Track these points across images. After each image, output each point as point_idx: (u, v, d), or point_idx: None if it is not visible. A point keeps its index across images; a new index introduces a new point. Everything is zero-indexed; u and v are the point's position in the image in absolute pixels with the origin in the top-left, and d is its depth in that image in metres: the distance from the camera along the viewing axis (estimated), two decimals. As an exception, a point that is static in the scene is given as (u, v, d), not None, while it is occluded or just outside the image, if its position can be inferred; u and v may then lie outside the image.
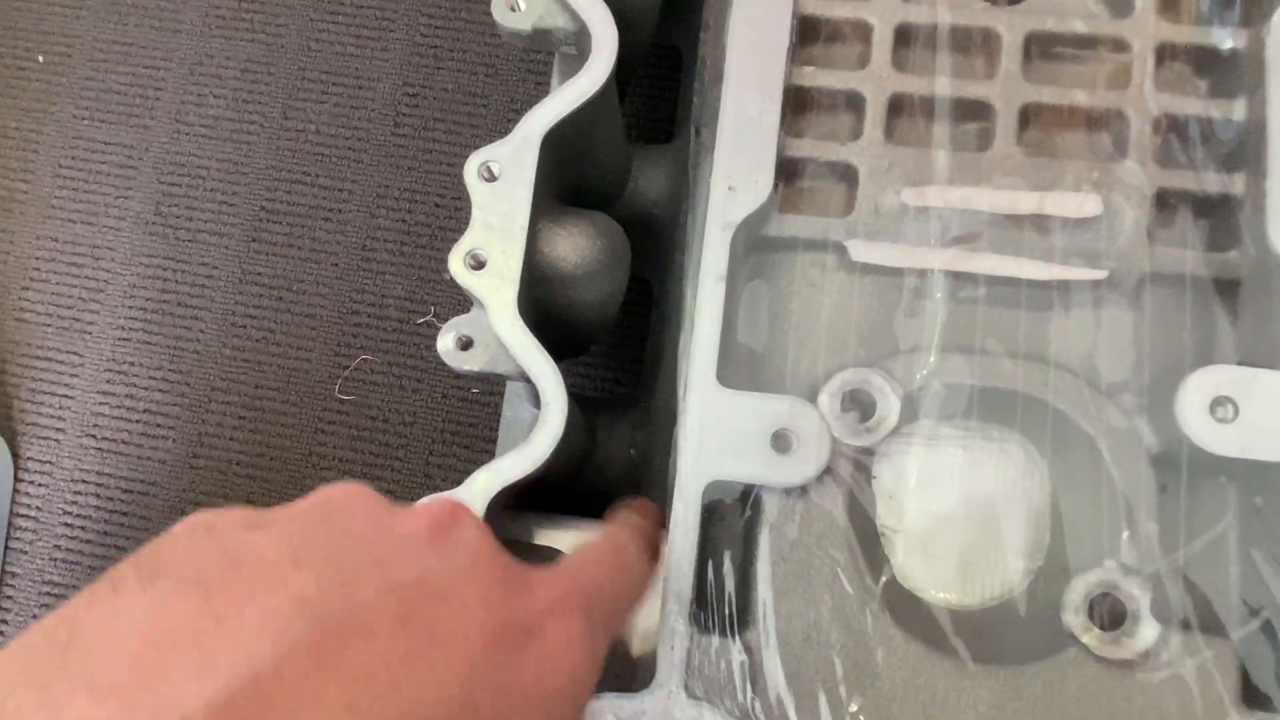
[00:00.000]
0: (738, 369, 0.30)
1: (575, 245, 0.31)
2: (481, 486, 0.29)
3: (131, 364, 0.52)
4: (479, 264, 0.30)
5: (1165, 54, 0.31)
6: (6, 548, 0.51)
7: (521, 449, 0.29)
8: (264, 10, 0.56)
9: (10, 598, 0.50)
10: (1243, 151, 0.30)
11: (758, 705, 0.27)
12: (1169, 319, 0.30)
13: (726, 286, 0.29)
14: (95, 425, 0.52)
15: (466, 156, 0.31)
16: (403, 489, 0.50)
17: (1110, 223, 0.30)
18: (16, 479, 0.51)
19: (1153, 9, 0.31)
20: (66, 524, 0.51)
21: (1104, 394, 0.29)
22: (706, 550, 0.28)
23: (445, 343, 0.31)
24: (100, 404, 0.52)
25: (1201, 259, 0.30)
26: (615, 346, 0.49)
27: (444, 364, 0.32)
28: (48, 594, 0.51)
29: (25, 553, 0.51)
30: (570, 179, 0.35)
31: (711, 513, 0.29)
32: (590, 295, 0.33)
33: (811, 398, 0.29)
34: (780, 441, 0.28)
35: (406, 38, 0.55)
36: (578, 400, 0.35)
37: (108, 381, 0.52)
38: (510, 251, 0.29)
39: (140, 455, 0.51)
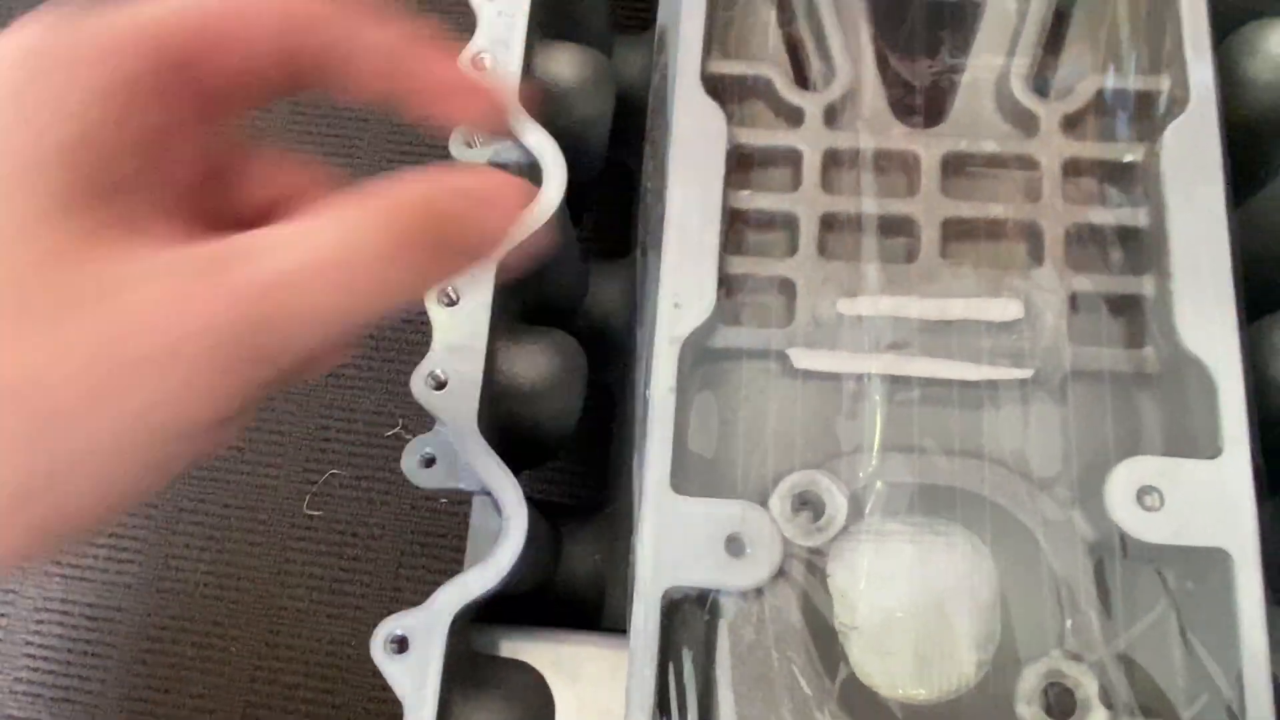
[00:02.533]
0: (691, 476, 0.31)
1: (533, 363, 0.33)
2: (445, 603, 0.29)
3: (100, 488, 0.52)
4: (440, 384, 0.31)
5: (1072, 168, 0.34)
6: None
7: (485, 564, 0.30)
8: (235, 142, 0.58)
9: (-34, 733, 0.49)
10: (1148, 255, 0.32)
11: (723, 811, 0.27)
12: (1094, 413, 0.32)
13: (677, 398, 0.31)
14: (60, 552, 0.52)
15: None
16: (371, 601, 0.50)
17: (1032, 325, 0.32)
18: (-22, 605, 0.51)
19: (1058, 129, 0.34)
20: (29, 654, 0.50)
21: (1038, 487, 0.31)
22: (667, 655, 0.29)
23: (409, 463, 0.32)
24: (67, 530, 0.52)
25: (1119, 356, 0.32)
26: (582, 450, 0.50)
27: (408, 481, 0.33)
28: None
29: (-13, 674, 0.50)
30: (529, 297, 0.36)
31: (672, 616, 0.29)
32: (548, 409, 0.34)
33: (763, 501, 0.30)
34: (734, 545, 0.29)
35: (372, 163, 0.57)
36: (543, 508, 0.36)
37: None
38: (470, 372, 0.31)
39: (105, 580, 0.51)
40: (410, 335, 0.54)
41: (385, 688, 0.29)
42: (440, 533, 0.51)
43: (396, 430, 0.52)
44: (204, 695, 0.49)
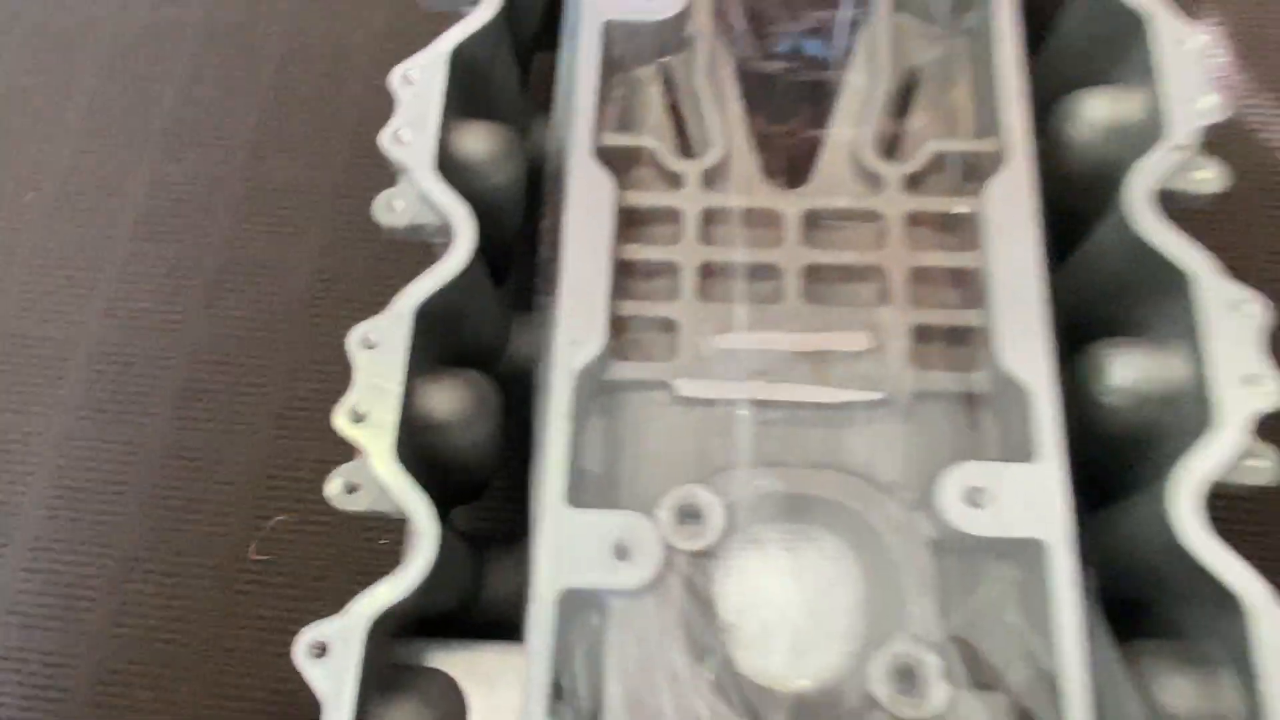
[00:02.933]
0: (585, 491, 0.35)
1: (446, 399, 0.37)
2: (360, 612, 0.33)
3: (56, 540, 0.55)
4: (359, 418, 0.35)
5: (913, 220, 0.39)
6: (-77, 730, 0.52)
7: (397, 576, 0.33)
8: (192, 215, 0.63)
9: (-76, 784, 0.51)
10: (977, 292, 0.38)
11: (609, 785, 0.31)
12: (935, 428, 0.36)
13: (573, 424, 0.35)
14: (18, 603, 0.54)
15: None
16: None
17: (880, 354, 0.37)
18: (-62, 662, 0.53)
19: (901, 186, 0.40)
20: (-13, 707, 0.52)
21: (886, 493, 0.35)
22: (555, 648, 0.33)
23: (333, 488, 0.36)
24: (24, 581, 0.55)
25: (955, 379, 0.37)
26: (512, 489, 0.54)
27: (354, 521, 0.36)
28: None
29: (-59, 739, 0.52)
30: (449, 343, 0.41)
31: (567, 615, 0.33)
32: (464, 442, 0.38)
33: (650, 513, 0.35)
34: (620, 551, 0.33)
35: (321, 231, 0.62)
36: (469, 539, 0.40)
37: (32, 559, 0.55)
38: (387, 407, 0.35)
39: (61, 628, 0.54)
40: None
41: None
42: (381, 571, 0.53)
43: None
44: (155, 734, 0.51)
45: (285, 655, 0.53)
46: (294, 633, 0.53)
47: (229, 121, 0.65)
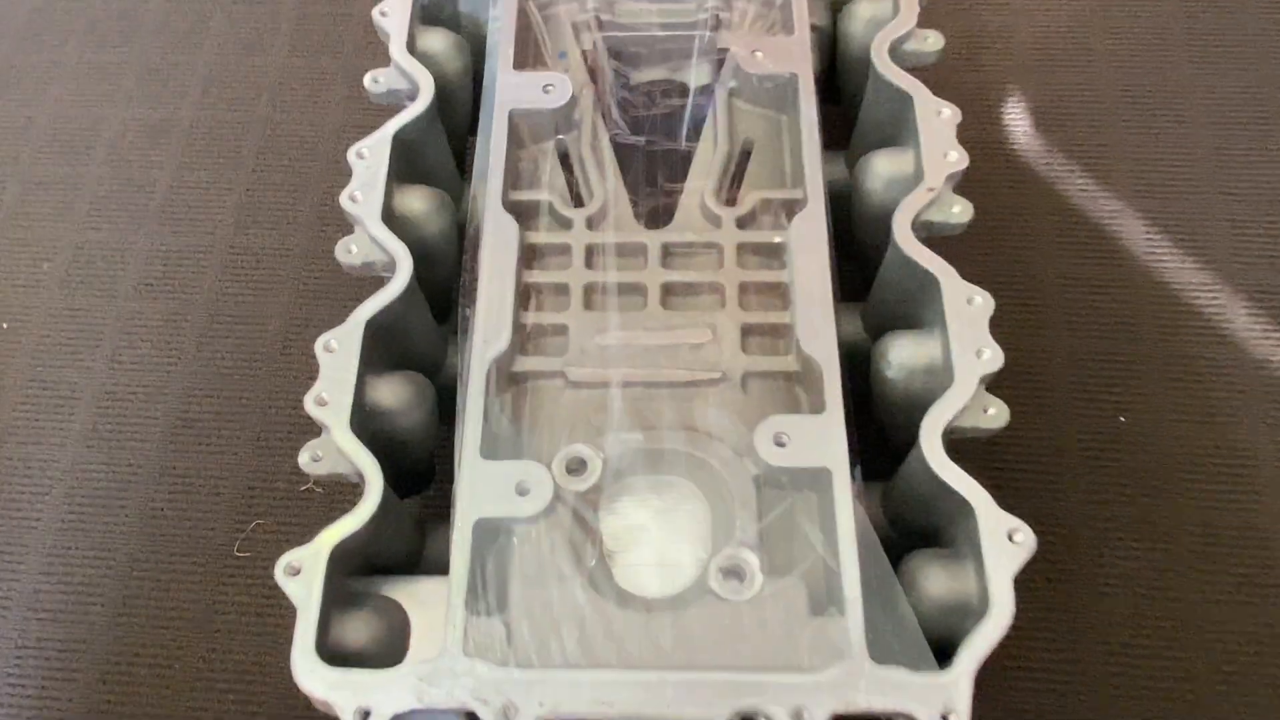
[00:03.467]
0: (499, 451, 0.47)
1: (390, 391, 0.49)
2: (323, 540, 0.44)
3: (68, 548, 0.65)
4: (323, 403, 0.47)
5: (743, 249, 0.52)
6: (-48, 711, 0.61)
7: (352, 514, 0.45)
8: (183, 276, 0.75)
9: (-48, 755, 0.60)
10: (787, 298, 0.51)
11: (511, 655, 0.42)
12: (762, 397, 0.49)
13: (485, 399, 0.47)
14: (37, 600, 0.64)
15: None
16: (288, 623, 0.62)
17: (719, 345, 0.50)
18: (-35, 651, 0.62)
19: (734, 225, 0.53)
20: (10, 685, 0.62)
21: (722, 444, 0.47)
22: (474, 564, 0.44)
23: (303, 458, 0.47)
24: (42, 583, 0.64)
25: (774, 361, 0.49)
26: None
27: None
28: (-13, 748, 0.60)
29: (-32, 714, 0.61)
30: (395, 353, 0.53)
31: (481, 535, 0.45)
32: (407, 424, 0.50)
33: (548, 464, 0.46)
34: (521, 490, 0.45)
35: (293, 286, 0.74)
36: (416, 519, 0.51)
37: (48, 565, 0.65)
38: (344, 393, 0.47)
39: (73, 621, 0.63)
40: (314, 427, 0.69)
41: (300, 694, 0.42)
42: (345, 562, 0.64)
43: (309, 486, 0.66)
44: (154, 704, 0.61)
45: (263, 635, 0.63)
46: (270, 616, 0.64)
47: (214, 200, 0.78)
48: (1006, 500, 0.45)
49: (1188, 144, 0.76)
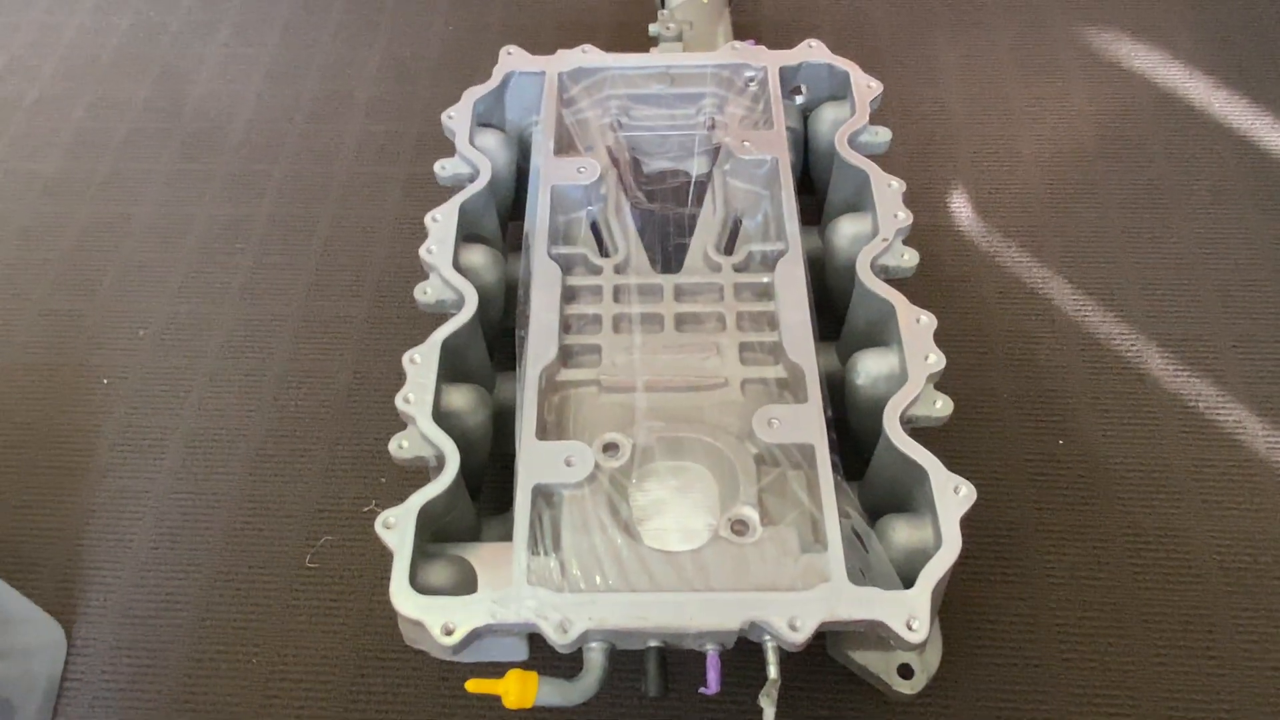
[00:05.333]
0: (547, 435, 0.59)
1: (461, 395, 0.62)
2: (412, 502, 0.55)
3: (159, 564, 0.75)
4: (409, 401, 0.59)
5: (739, 289, 0.66)
6: (59, 703, 0.69)
7: (434, 483, 0.56)
8: (262, 340, 0.88)
9: (54, 739, 0.68)
10: (775, 323, 0.64)
11: (565, 584, 0.53)
12: (758, 396, 0.61)
13: (537, 397, 0.59)
14: (131, 608, 0.73)
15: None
16: (354, 620, 0.72)
17: (722, 359, 0.63)
18: (70, 650, 0.71)
19: (732, 269, 0.67)
20: (105, 681, 0.70)
21: (729, 433, 0.59)
22: (533, 517, 0.55)
23: (392, 446, 0.59)
24: (135, 592, 0.74)
25: (767, 369, 0.62)
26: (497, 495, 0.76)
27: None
28: (85, 735, 0.68)
29: (71, 705, 0.69)
30: (460, 370, 0.65)
31: (537, 498, 0.56)
32: (472, 424, 0.62)
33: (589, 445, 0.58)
34: (568, 462, 0.57)
35: (356, 346, 0.87)
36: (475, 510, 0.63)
37: (140, 579, 0.75)
38: (425, 393, 0.59)
39: (162, 625, 0.73)
40: (380, 449, 0.80)
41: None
42: (401, 572, 0.74)
43: (371, 507, 0.77)
44: (234, 696, 0.69)
45: (330, 632, 0.73)
46: (337, 617, 0.73)
47: (288, 278, 0.92)
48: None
49: (1103, 224, 0.91)
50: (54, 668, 0.70)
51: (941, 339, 0.61)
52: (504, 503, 0.64)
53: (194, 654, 0.72)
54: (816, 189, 0.80)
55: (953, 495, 0.55)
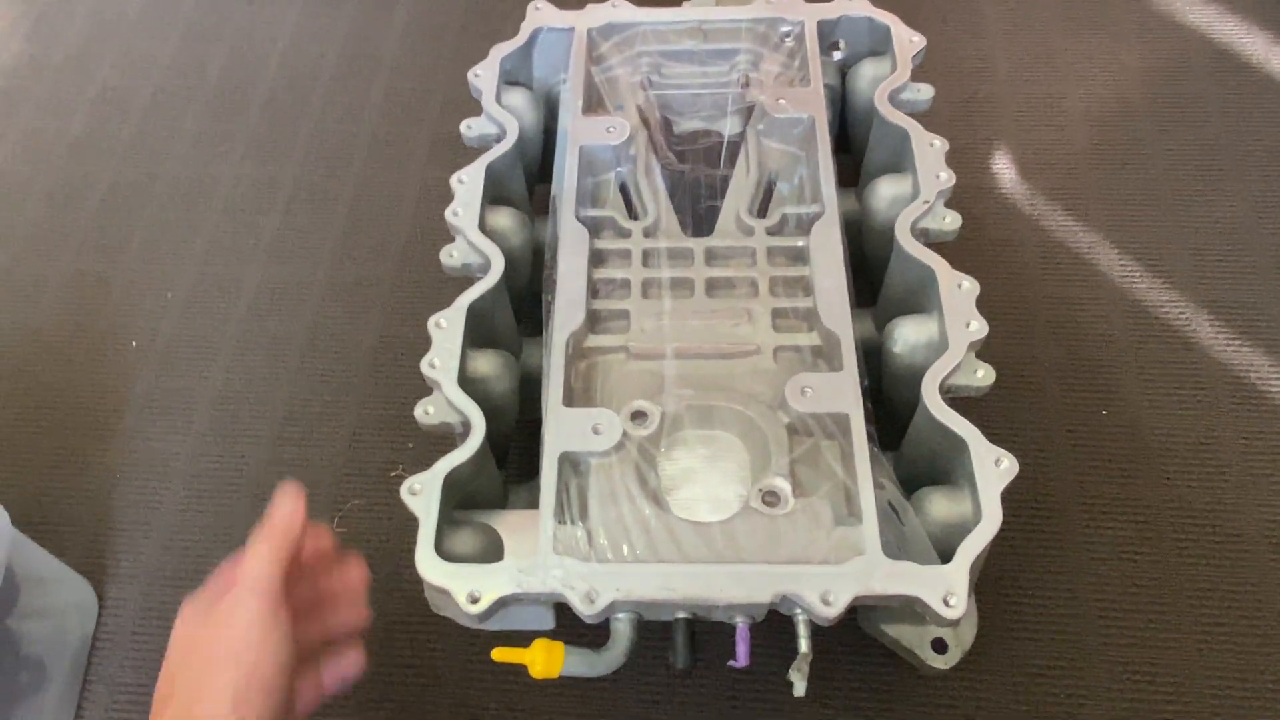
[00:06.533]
0: (575, 401, 0.58)
1: (485, 361, 0.60)
2: (438, 468, 0.54)
3: (188, 527, 0.76)
4: (434, 366, 0.58)
5: (773, 252, 0.64)
6: (90, 662, 0.70)
7: (460, 449, 0.55)
8: (288, 303, 0.87)
9: (89, 700, 0.69)
10: (810, 287, 0.62)
11: (593, 554, 0.51)
12: (791, 364, 0.59)
13: (565, 364, 0.58)
14: (160, 571, 0.74)
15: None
16: (380, 583, 0.70)
17: (754, 325, 0.61)
18: (100, 611, 0.72)
19: (765, 232, 0.65)
20: (136, 644, 0.71)
21: (760, 401, 0.58)
22: (560, 485, 0.54)
23: (417, 411, 0.58)
24: (163, 556, 0.74)
25: (801, 336, 0.60)
26: (522, 461, 0.75)
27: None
28: (119, 694, 0.69)
29: (102, 664, 0.70)
30: (486, 335, 0.64)
31: (564, 466, 0.55)
32: (498, 389, 0.61)
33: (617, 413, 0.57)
34: (595, 430, 0.55)
35: (382, 309, 0.86)
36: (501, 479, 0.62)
37: (169, 541, 0.75)
38: (451, 358, 0.58)
39: (190, 587, 0.71)
40: (406, 414, 0.79)
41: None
42: (427, 537, 0.74)
43: (398, 472, 0.77)
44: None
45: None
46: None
47: (314, 241, 0.91)
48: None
49: (1151, 187, 0.87)
50: (85, 627, 0.71)
51: (982, 305, 0.59)
52: (531, 469, 0.63)
53: (223, 616, 0.72)
54: (854, 149, 0.77)
55: (993, 468, 0.53)
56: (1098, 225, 0.86)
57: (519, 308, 0.70)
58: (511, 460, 0.71)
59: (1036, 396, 0.77)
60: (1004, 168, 0.90)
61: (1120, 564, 0.69)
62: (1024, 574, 0.69)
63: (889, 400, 0.64)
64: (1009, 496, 0.52)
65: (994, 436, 0.55)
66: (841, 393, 0.56)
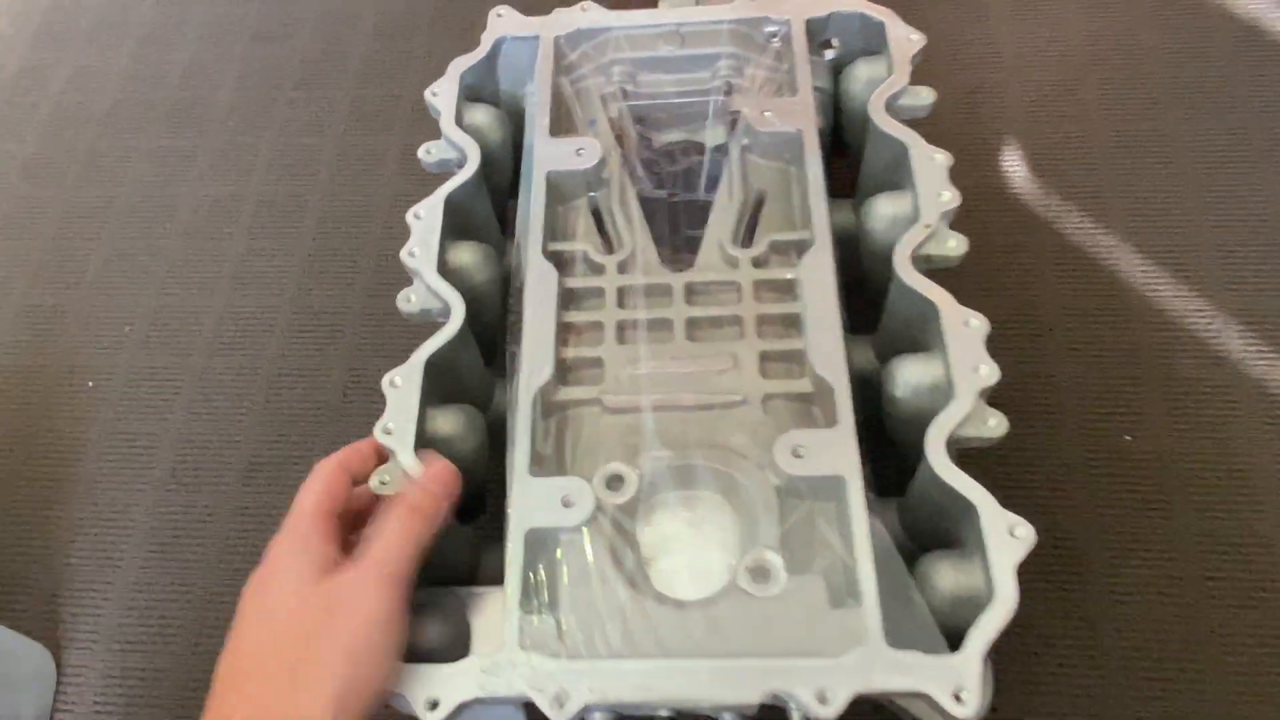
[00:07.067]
0: (545, 469, 0.53)
1: (448, 420, 0.55)
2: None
3: (150, 584, 0.71)
4: (389, 432, 0.53)
5: (759, 285, 0.58)
6: (48, 735, 0.66)
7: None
8: (253, 335, 0.82)
9: (47, 775, 0.65)
10: (800, 327, 0.56)
11: (563, 648, 0.47)
12: (779, 416, 0.54)
13: (531, 424, 0.53)
14: (121, 632, 0.70)
15: None
16: None
17: (740, 372, 0.55)
18: (59, 680, 0.68)
19: (750, 264, 0.59)
20: (97, 712, 0.67)
21: (745, 459, 0.52)
22: (528, 566, 0.49)
23: (373, 483, 0.53)
24: (125, 616, 0.70)
25: (790, 384, 0.55)
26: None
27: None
28: (78, 768, 0.65)
29: (62, 737, 0.66)
30: (450, 388, 0.58)
31: (532, 543, 0.50)
32: (463, 450, 0.56)
33: (590, 480, 0.51)
34: (566, 502, 0.50)
35: (351, 340, 0.81)
36: (473, 541, 0.57)
37: (131, 600, 0.71)
38: (408, 421, 0.53)
39: (154, 651, 0.69)
40: (379, 456, 0.75)
41: None
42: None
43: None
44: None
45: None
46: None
47: (280, 266, 0.85)
48: (1020, 515, 0.48)
49: (1176, 182, 0.81)
50: (44, 699, 0.67)
51: (990, 316, 0.53)
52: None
53: (188, 681, 0.68)
54: (851, 153, 0.71)
55: (1008, 538, 0.47)
56: (1117, 225, 0.79)
57: (491, 344, 0.64)
58: (488, 514, 0.66)
59: (1052, 419, 0.71)
60: (1013, 164, 0.83)
61: (1146, 606, 0.64)
62: (1040, 618, 0.64)
63: (892, 440, 0.58)
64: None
65: (1004, 466, 0.49)
66: (838, 453, 0.50)
